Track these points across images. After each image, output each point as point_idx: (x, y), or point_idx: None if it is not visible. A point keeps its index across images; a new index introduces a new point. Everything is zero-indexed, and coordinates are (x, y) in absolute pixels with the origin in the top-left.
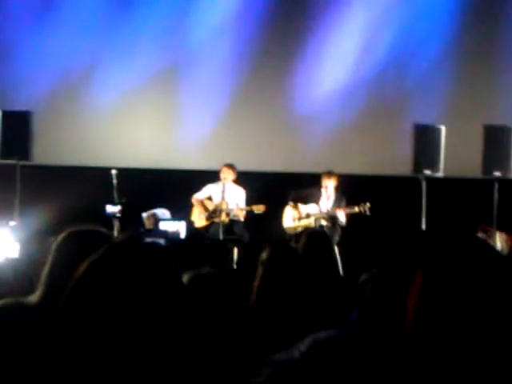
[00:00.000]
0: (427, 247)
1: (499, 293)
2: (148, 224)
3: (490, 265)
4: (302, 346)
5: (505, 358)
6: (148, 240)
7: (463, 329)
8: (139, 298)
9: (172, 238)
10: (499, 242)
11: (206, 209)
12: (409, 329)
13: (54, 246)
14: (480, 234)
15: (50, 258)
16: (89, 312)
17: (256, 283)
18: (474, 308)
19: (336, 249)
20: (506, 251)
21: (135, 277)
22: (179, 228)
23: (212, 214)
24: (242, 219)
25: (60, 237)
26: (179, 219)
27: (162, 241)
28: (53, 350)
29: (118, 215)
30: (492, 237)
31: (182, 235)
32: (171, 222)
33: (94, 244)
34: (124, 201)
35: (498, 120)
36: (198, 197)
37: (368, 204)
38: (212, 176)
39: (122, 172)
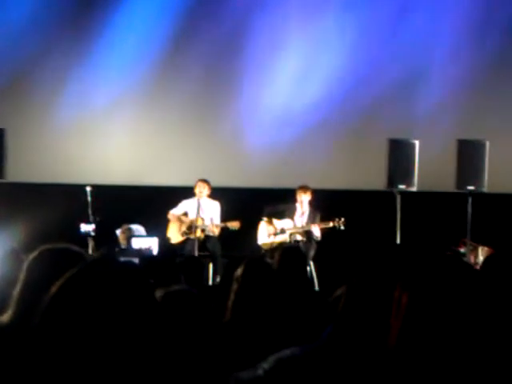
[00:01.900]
0: (411, 266)
1: (483, 309)
2: (122, 239)
3: (473, 283)
4: (266, 364)
5: (493, 370)
6: (121, 259)
7: (450, 349)
8: (112, 316)
9: (145, 255)
10: (482, 256)
11: (181, 225)
12: (392, 346)
13: (25, 265)
14: (463, 249)
15: (21, 277)
16: (62, 331)
17: (231, 299)
18: (460, 326)
19: (312, 264)
20: None
21: (108, 295)
22: (152, 244)
23: (187, 231)
24: (216, 235)
25: (32, 255)
26: (151, 235)
27: (135, 259)
28: (25, 369)
29: (93, 234)
30: (475, 251)
31: (155, 251)
32: (144, 238)
33: (66, 262)
34: (98, 219)
35: (471, 134)
36: (174, 213)
37: (342, 219)
38: (186, 192)
39: (97, 189)
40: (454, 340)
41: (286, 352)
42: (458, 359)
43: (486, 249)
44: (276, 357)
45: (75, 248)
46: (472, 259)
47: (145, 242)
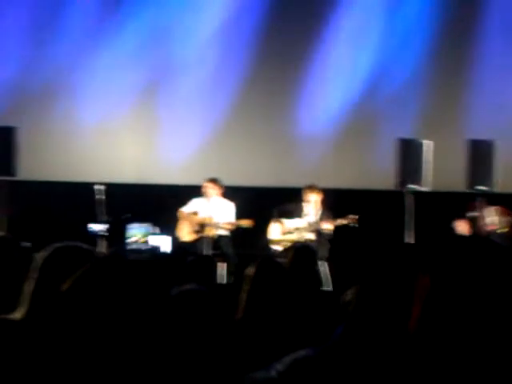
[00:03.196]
0: (431, 250)
1: (504, 294)
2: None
3: (498, 269)
4: (280, 365)
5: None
6: (132, 256)
7: (470, 331)
8: (124, 313)
9: (159, 253)
10: (494, 215)
11: (193, 223)
12: (413, 331)
13: (37, 263)
14: (472, 213)
15: (33, 274)
16: (75, 327)
17: (242, 298)
18: (481, 310)
19: (325, 263)
20: (503, 222)
21: (119, 293)
22: (165, 243)
23: (199, 229)
24: (227, 233)
25: (43, 253)
26: (166, 234)
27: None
28: (40, 365)
29: (102, 233)
30: (485, 211)
31: (169, 250)
32: (158, 236)
33: (77, 261)
34: (110, 219)
35: (481, 134)
36: (184, 211)
37: (356, 216)
38: (198, 191)
39: (107, 187)
40: (473, 323)
41: (300, 353)
42: (476, 344)
43: (497, 208)
44: (290, 358)
45: (86, 246)
46: (482, 220)
47: (159, 239)
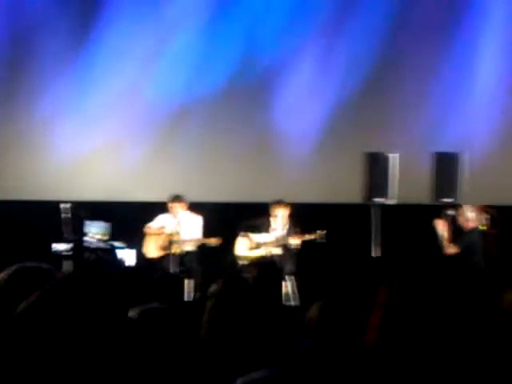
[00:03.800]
0: (391, 266)
1: (461, 305)
2: None
3: (455, 280)
4: None
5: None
6: (92, 276)
7: (429, 343)
8: (82, 333)
9: (121, 268)
10: (473, 212)
11: (159, 240)
12: (369, 348)
13: None
14: (450, 212)
15: None
16: (29, 348)
17: (206, 316)
18: (438, 322)
19: (293, 278)
20: (482, 219)
21: (77, 312)
22: (130, 256)
23: (165, 246)
24: (194, 249)
25: (3, 274)
26: (131, 247)
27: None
28: None
29: (66, 253)
30: (464, 209)
31: (133, 263)
32: (122, 250)
33: (37, 281)
34: (75, 238)
35: (448, 147)
36: (150, 226)
37: (324, 231)
38: (164, 207)
39: (74, 205)
40: (431, 336)
41: (256, 374)
42: (435, 355)
43: (471, 205)
44: (244, 379)
45: (46, 266)
46: (461, 220)
47: (124, 253)
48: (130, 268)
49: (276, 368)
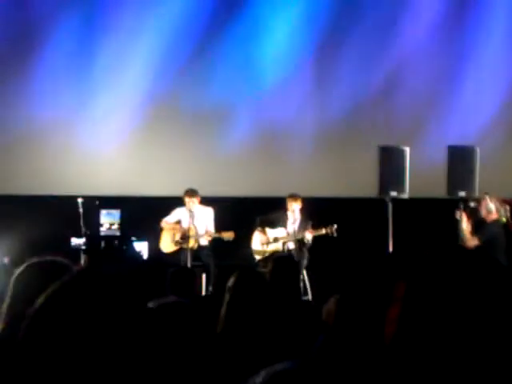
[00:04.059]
0: (408, 258)
1: (483, 301)
2: None
3: (476, 274)
4: (258, 378)
5: (491, 366)
6: (109, 270)
7: (448, 338)
8: (99, 328)
9: (138, 261)
10: (494, 204)
11: (175, 234)
12: (388, 342)
13: (14, 278)
14: (471, 203)
15: (10, 291)
16: (47, 344)
17: (223, 310)
18: (458, 317)
19: (305, 273)
20: (503, 212)
21: (93, 308)
22: (143, 249)
23: (180, 240)
24: (208, 244)
25: (20, 269)
26: (142, 239)
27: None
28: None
29: (84, 247)
30: (485, 201)
31: (145, 256)
32: (134, 242)
33: (53, 275)
34: (89, 233)
35: (462, 140)
36: (167, 221)
37: (335, 225)
38: (179, 201)
39: (88, 200)
40: (452, 333)
41: (278, 366)
42: (455, 353)
43: (492, 197)
44: (268, 371)
45: (62, 260)
46: (483, 212)
47: (135, 246)
48: (147, 260)
49: (299, 360)
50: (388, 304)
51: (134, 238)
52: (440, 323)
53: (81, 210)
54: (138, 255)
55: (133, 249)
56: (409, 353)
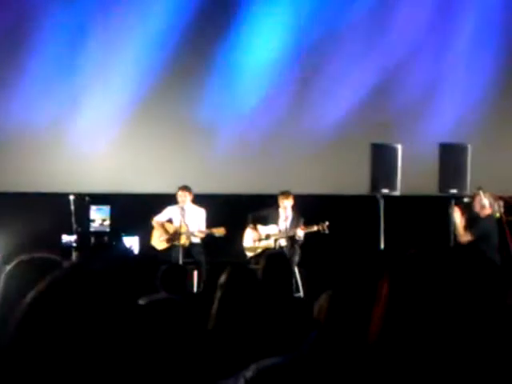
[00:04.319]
0: (393, 257)
1: (464, 297)
2: None
3: (458, 271)
4: (248, 373)
5: (472, 361)
6: (98, 266)
7: (431, 335)
8: (88, 325)
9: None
10: (489, 199)
11: (166, 231)
12: (373, 341)
13: (4, 275)
14: (465, 199)
15: (1, 287)
16: (37, 340)
17: (215, 307)
18: (440, 314)
19: (296, 269)
20: (497, 207)
21: (83, 304)
22: (133, 244)
23: (172, 238)
24: (200, 241)
25: (10, 265)
26: (132, 234)
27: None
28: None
29: (75, 244)
30: (480, 196)
31: (136, 250)
32: (125, 237)
33: (43, 272)
34: (80, 230)
35: (453, 138)
36: (158, 219)
37: (327, 222)
38: (170, 199)
39: (80, 198)
40: (434, 331)
41: (268, 361)
42: (439, 350)
43: (487, 193)
44: (258, 365)
45: (52, 257)
46: (477, 207)
47: (126, 241)
48: (138, 256)
49: (289, 355)
50: (373, 303)
51: (123, 234)
52: (423, 322)
53: (72, 207)
54: (128, 250)
55: (122, 244)
56: (393, 351)
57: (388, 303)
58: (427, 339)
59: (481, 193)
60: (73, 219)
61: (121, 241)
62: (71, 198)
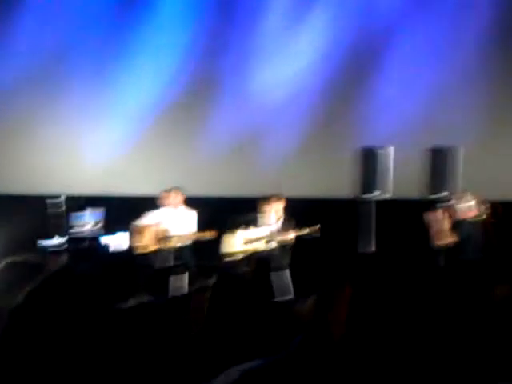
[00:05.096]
0: (353, 260)
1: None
2: None
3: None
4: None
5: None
6: (82, 269)
7: (393, 334)
8: (73, 327)
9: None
10: (471, 201)
11: (153, 235)
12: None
13: None
14: (445, 204)
15: None
16: (24, 342)
17: (202, 310)
18: (401, 314)
19: (287, 272)
20: (480, 209)
21: (67, 307)
22: (124, 239)
23: (161, 240)
24: (189, 244)
25: None
26: (124, 230)
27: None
28: None
29: (54, 249)
30: (461, 198)
31: (125, 246)
32: (116, 233)
33: (27, 274)
34: (65, 233)
35: (445, 140)
36: (139, 225)
37: (318, 225)
38: (154, 202)
39: (63, 200)
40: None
41: (249, 364)
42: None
43: (469, 194)
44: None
45: (36, 260)
46: (462, 209)
47: (117, 237)
48: (116, 255)
49: (270, 359)
50: (338, 305)
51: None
52: (384, 326)
53: (51, 210)
54: (109, 250)
55: (102, 245)
56: (357, 352)
57: (351, 307)
58: (388, 338)
59: (467, 195)
60: (51, 223)
61: (99, 242)
62: (49, 201)
